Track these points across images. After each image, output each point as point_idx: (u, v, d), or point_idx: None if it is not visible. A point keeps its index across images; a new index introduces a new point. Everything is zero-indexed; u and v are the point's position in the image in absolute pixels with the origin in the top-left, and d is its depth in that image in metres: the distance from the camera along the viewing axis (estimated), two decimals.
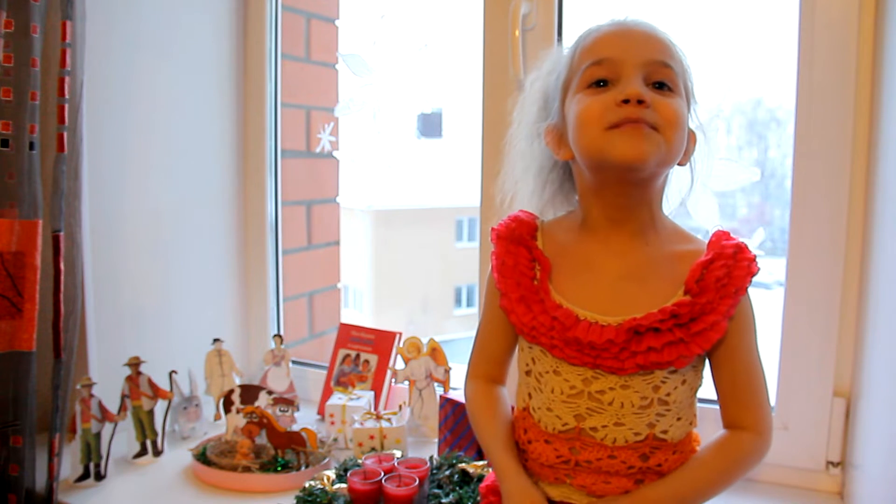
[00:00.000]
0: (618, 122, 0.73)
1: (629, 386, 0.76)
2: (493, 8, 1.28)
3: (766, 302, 1.02)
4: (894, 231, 0.91)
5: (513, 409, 0.91)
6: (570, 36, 1.23)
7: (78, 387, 1.20)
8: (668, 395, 0.77)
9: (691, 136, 0.81)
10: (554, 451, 0.80)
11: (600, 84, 0.76)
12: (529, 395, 0.85)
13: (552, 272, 0.82)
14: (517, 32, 1.23)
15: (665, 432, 0.78)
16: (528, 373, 0.85)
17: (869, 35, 1.05)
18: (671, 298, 0.76)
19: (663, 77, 0.75)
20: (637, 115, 0.72)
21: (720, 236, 0.79)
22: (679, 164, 0.80)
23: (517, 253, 0.84)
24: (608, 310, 0.78)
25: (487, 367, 0.92)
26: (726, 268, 0.76)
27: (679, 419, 0.79)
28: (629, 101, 0.72)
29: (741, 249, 0.77)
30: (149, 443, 1.30)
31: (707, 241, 0.80)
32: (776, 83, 1.39)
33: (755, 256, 0.78)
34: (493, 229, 0.87)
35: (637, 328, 0.75)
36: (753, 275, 0.77)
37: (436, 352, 1.38)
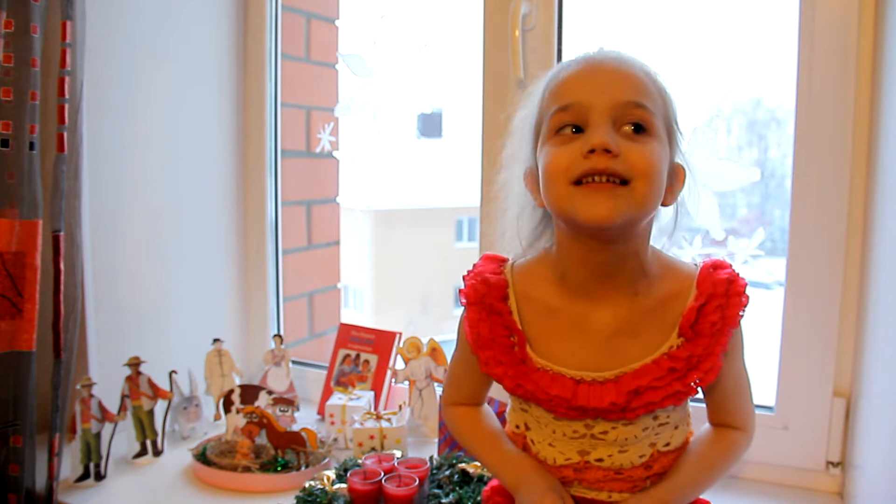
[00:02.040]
0: (584, 175, 0.68)
1: (631, 424, 0.76)
2: (493, 8, 1.28)
3: (766, 302, 1.02)
4: (894, 231, 0.91)
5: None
6: (571, 36, 1.23)
7: (78, 387, 1.20)
8: (668, 416, 0.79)
9: (679, 173, 0.77)
10: (557, 471, 0.80)
11: (569, 130, 0.71)
12: (527, 426, 0.82)
13: (534, 335, 0.78)
14: (517, 32, 1.23)
15: (667, 444, 0.80)
16: (524, 410, 0.82)
17: (869, 35, 1.05)
18: (665, 343, 0.75)
19: (636, 118, 0.70)
20: (604, 167, 0.68)
21: (708, 268, 0.76)
22: (664, 205, 0.76)
23: (490, 321, 0.79)
24: (601, 366, 0.75)
25: (466, 399, 0.90)
26: (720, 309, 0.73)
27: (677, 428, 0.81)
28: (595, 152, 0.68)
29: (732, 282, 0.74)
30: (149, 443, 1.30)
31: (696, 273, 0.76)
32: (776, 83, 1.39)
33: (746, 286, 0.75)
34: (461, 291, 0.82)
35: (637, 389, 0.73)
36: (746, 307, 0.75)
37: (436, 352, 1.38)
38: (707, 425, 0.84)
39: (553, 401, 0.75)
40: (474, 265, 0.84)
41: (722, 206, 1.17)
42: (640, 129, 0.71)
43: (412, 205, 9.69)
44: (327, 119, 1.76)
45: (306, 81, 1.76)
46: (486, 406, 0.91)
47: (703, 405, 0.85)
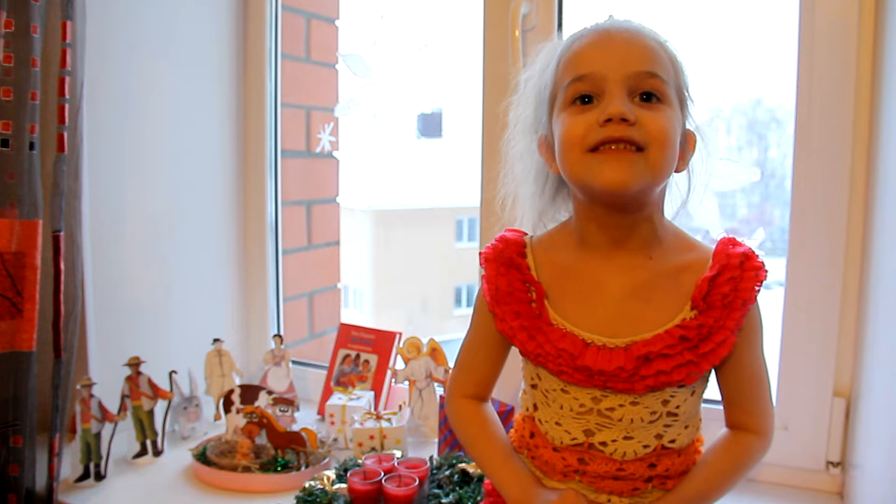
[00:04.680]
0: (600, 143, 0.71)
1: (639, 402, 0.76)
2: (493, 8, 1.28)
3: (767, 302, 1.02)
4: (894, 231, 0.91)
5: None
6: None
7: (78, 387, 1.20)
8: (678, 406, 0.77)
9: (690, 139, 0.79)
10: (561, 459, 0.79)
11: (584, 100, 0.73)
12: (535, 407, 0.83)
13: (551, 294, 0.80)
14: (517, 32, 1.23)
15: (673, 441, 0.78)
16: (534, 386, 0.83)
17: (869, 35, 1.05)
18: (678, 315, 0.75)
19: (650, 87, 0.72)
20: (620, 135, 0.70)
21: (726, 244, 0.77)
22: (676, 171, 0.78)
23: (509, 276, 0.81)
24: (614, 331, 0.76)
25: (475, 388, 0.89)
26: (733, 281, 0.74)
27: (686, 427, 0.79)
28: (612, 121, 0.70)
29: (748, 257, 0.75)
30: (149, 443, 1.30)
31: (713, 249, 0.77)
32: (776, 83, 1.39)
33: (763, 263, 0.75)
34: (480, 253, 0.85)
35: (647, 355, 0.73)
36: (762, 282, 0.75)
37: (436, 352, 1.38)
38: (723, 430, 0.82)
39: (561, 356, 0.76)
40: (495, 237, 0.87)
41: (722, 206, 1.16)
42: (653, 97, 0.73)
43: (412, 205, 9.70)
44: (327, 119, 1.76)
45: (306, 81, 1.76)
46: (490, 408, 0.90)
47: (716, 406, 0.84)
